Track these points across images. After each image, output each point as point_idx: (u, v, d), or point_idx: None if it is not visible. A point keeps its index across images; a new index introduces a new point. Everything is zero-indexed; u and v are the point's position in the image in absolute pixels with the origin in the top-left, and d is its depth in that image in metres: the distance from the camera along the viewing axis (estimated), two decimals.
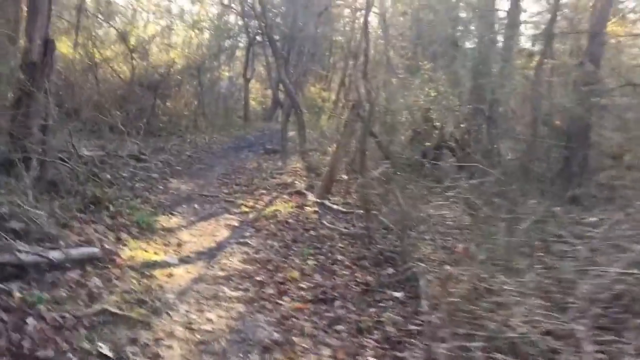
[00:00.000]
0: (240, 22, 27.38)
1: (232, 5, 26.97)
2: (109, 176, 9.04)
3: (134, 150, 12.33)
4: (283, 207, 8.76)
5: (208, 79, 26.20)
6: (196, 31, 25.01)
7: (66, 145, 9.30)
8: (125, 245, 6.08)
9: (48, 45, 7.09)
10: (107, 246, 5.71)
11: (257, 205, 8.95)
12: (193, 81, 23.82)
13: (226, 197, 9.46)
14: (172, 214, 8.02)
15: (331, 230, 7.72)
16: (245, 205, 8.86)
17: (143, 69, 18.26)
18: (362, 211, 7.81)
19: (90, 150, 10.33)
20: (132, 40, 18.07)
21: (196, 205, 8.61)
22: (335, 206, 9.00)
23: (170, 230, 7.12)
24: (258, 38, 26.33)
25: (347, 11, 31.72)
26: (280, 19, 24.83)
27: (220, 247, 6.78)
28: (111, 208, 7.12)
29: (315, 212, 8.57)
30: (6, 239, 4.68)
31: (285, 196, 9.61)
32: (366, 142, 9.54)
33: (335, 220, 8.39)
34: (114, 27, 17.88)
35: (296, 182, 10.98)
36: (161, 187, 9.79)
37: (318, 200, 9.11)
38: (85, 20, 17.55)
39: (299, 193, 9.84)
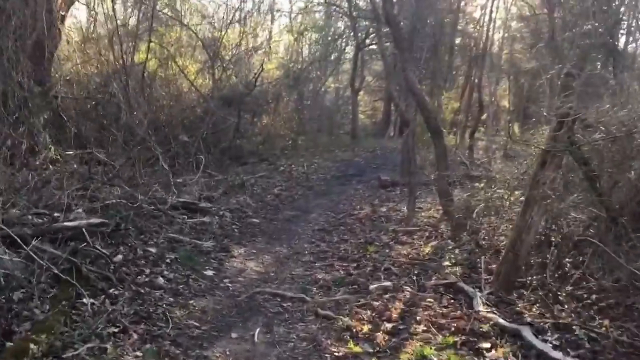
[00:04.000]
0: (346, 23, 23.40)
1: (337, 2, 22.99)
2: (110, 261, 5.06)
3: (193, 194, 8.42)
4: (435, 339, 4.22)
5: (310, 90, 22.38)
6: (295, 35, 21.30)
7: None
8: None
9: None
10: None
11: (377, 333, 4.43)
12: (293, 94, 20.05)
13: (319, 300, 5.06)
14: None
15: None
16: (354, 329, 4.40)
17: (226, 80, 14.59)
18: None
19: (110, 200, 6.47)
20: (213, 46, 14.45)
21: (257, 333, 4.30)
22: (547, 336, 4.25)
23: None
24: (368, 41, 22.18)
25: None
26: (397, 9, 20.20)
27: None
28: None
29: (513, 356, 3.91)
30: None
31: (428, 297, 5.05)
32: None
33: None
34: (192, 30, 14.31)
35: (441, 257, 6.40)
36: (209, 275, 5.64)
37: (499, 316, 4.47)
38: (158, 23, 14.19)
39: (452, 288, 5.27)
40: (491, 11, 19.26)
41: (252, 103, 16.07)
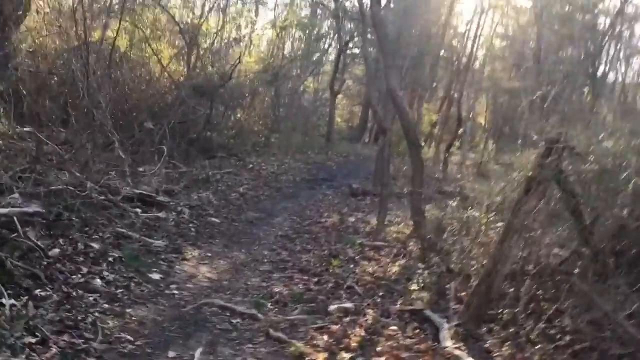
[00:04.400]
0: (331, 23, 22.98)
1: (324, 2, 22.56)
2: (44, 256, 4.51)
3: (152, 185, 7.87)
4: None
5: (288, 88, 21.88)
6: (278, 30, 20.75)
7: None
8: None
9: None
10: None
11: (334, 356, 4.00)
12: (271, 90, 19.50)
13: (273, 318, 4.58)
14: None
15: None
16: (308, 358, 3.94)
17: (201, 69, 13.98)
18: None
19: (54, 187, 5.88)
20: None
21: (199, 354, 3.79)
22: None
23: None
24: (351, 44, 21.79)
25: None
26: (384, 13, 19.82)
27: None
28: None
29: None
30: None
31: (392, 325, 4.63)
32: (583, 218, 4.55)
33: None
34: (169, 13, 13.66)
35: (408, 278, 5.99)
36: (154, 279, 5.11)
37: (467, 354, 4.08)
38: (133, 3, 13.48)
39: (418, 316, 4.86)
40: (477, 27, 19.02)
41: (227, 95, 15.49)
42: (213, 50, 15.42)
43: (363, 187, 12.40)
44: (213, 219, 7.92)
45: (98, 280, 4.59)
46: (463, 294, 5.34)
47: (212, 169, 11.48)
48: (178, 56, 14.02)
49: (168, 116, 11.07)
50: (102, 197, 6.43)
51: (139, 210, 6.89)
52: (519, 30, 29.09)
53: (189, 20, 14.93)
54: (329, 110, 23.49)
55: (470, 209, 6.81)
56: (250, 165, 13.34)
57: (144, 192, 7.56)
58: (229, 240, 7.09)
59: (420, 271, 6.25)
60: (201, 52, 14.07)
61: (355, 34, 21.17)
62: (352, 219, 9.30)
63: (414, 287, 5.68)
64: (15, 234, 4.53)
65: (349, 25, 22.62)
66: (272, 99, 19.81)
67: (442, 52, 25.37)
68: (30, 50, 10.92)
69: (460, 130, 21.73)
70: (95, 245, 5.24)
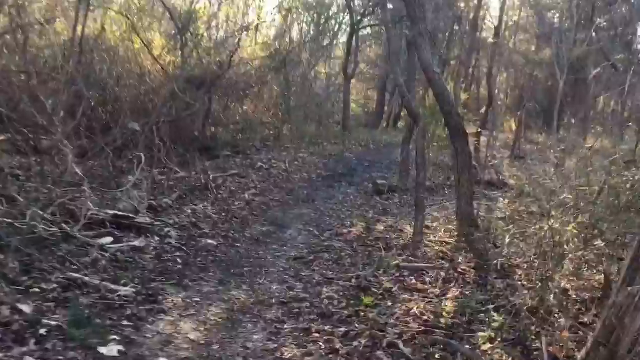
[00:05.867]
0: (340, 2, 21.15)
1: None
2: None
3: (134, 200, 6.32)
4: None
5: (299, 75, 20.16)
6: (284, 12, 19.04)
7: None
8: None
9: None
10: None
11: None
12: (279, 78, 17.80)
13: None
14: None
15: None
16: None
17: (197, 59, 12.34)
18: None
19: None
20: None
21: None
22: None
23: None
24: (366, 20, 20.00)
25: None
26: None
27: None
28: None
29: None
30: None
31: None
32: None
33: None
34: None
35: (470, 321, 4.33)
36: (111, 356, 3.50)
37: None
38: None
39: None
40: None
41: (230, 86, 13.90)
42: (211, 37, 13.81)
43: (389, 183, 10.72)
44: (209, 240, 6.32)
45: None
46: (559, 346, 3.68)
47: (214, 172, 9.94)
48: (170, 46, 12.40)
49: (158, 114, 9.47)
50: (54, 229, 4.85)
51: (108, 240, 5.31)
52: None
53: (182, 4, 13.35)
54: (344, 96, 21.81)
55: (543, 216, 5.10)
56: (259, 164, 11.73)
57: (119, 213, 5.99)
58: (226, 271, 5.47)
59: (482, 306, 4.59)
60: (197, 40, 12.42)
61: (369, 9, 19.34)
62: (380, 227, 7.63)
63: (481, 337, 4.01)
64: None
65: (359, 1, 20.90)
66: (281, 88, 18.15)
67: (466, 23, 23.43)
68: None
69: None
70: (26, 309, 3.67)
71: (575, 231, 4.29)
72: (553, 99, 21.85)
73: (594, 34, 19.62)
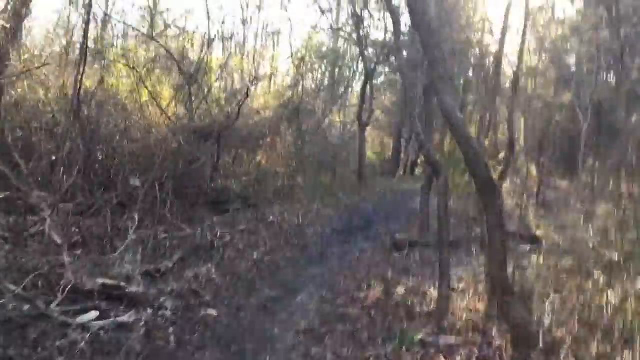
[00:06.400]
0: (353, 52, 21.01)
1: (343, 30, 20.65)
2: None
3: (128, 267, 5.71)
4: None
5: (313, 124, 19.81)
6: (296, 61, 18.86)
7: None
8: None
9: None
10: None
11: None
12: (292, 127, 17.46)
13: None
14: None
15: None
16: None
17: (205, 110, 11.98)
18: None
19: None
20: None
21: None
22: None
23: None
24: (380, 68, 19.75)
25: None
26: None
27: None
28: None
29: None
30: None
31: None
32: None
33: None
34: (165, 49, 11.75)
35: None
36: None
37: None
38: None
39: None
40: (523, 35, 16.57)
41: (241, 136, 13.52)
42: (221, 87, 13.52)
43: (408, 237, 10.01)
44: (209, 310, 5.65)
45: None
46: None
47: (222, 228, 9.37)
48: (178, 97, 12.07)
49: (162, 168, 8.98)
50: (27, 307, 4.25)
51: (91, 316, 4.68)
52: (558, 43, 26.76)
53: (191, 56, 13.11)
54: (359, 144, 21.32)
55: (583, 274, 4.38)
56: (270, 218, 11.12)
57: (108, 283, 5.37)
58: (226, 349, 4.79)
59: None
60: (205, 91, 12.09)
61: (382, 57, 19.10)
62: (401, 290, 6.89)
63: None
64: None
65: (371, 50, 20.69)
66: (295, 137, 17.76)
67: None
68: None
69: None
70: None
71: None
72: (574, 143, 21.17)
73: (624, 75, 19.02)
